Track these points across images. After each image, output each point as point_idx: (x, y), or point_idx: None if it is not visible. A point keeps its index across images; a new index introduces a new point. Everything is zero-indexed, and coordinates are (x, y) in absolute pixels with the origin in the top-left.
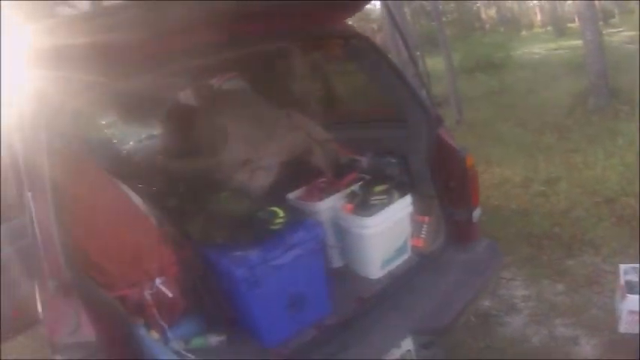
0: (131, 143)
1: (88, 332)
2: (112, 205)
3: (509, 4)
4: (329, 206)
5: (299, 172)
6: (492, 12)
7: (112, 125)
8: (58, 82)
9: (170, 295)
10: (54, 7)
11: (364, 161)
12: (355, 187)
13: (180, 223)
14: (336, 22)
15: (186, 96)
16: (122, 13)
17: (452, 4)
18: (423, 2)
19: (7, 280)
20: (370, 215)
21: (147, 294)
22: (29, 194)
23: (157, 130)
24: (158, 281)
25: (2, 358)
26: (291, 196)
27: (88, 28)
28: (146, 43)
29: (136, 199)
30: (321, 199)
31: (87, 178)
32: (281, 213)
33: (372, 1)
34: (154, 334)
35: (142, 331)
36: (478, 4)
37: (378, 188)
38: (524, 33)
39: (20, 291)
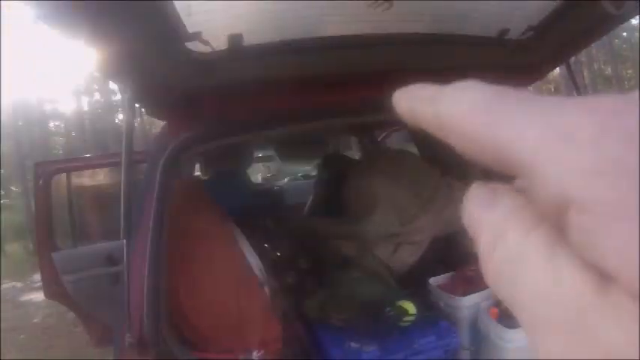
0: (286, 180)
1: None
2: (223, 262)
3: None
4: (472, 304)
5: (447, 253)
6: None
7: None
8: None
9: None
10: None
11: None
12: None
13: (298, 295)
14: (520, 86)
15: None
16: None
17: (630, 70)
18: (602, 66)
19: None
20: (516, 327)
21: None
22: (124, 242)
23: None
24: (256, 354)
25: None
26: (433, 282)
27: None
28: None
29: (253, 260)
30: (464, 293)
31: (200, 224)
32: (412, 309)
33: None
34: None
35: None
36: None
37: None
38: None
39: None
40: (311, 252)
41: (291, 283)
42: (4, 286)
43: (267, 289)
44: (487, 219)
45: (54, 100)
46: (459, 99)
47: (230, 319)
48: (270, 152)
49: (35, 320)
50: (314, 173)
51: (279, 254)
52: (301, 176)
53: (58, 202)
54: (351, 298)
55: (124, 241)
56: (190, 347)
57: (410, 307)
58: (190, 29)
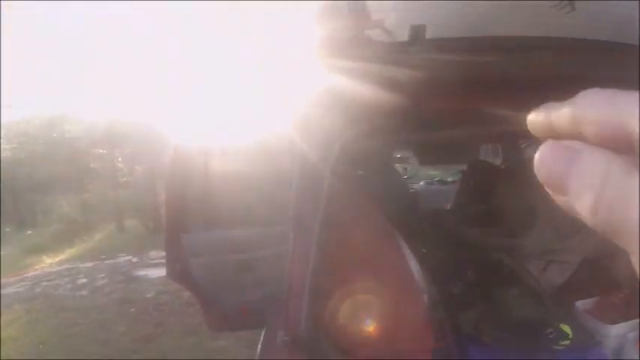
0: (422, 183)
1: None
2: (383, 265)
3: None
4: (619, 334)
5: (596, 276)
6: None
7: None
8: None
9: None
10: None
11: None
12: None
13: (456, 307)
14: None
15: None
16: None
17: None
18: None
19: (252, 278)
20: None
21: None
22: (291, 235)
23: (451, 177)
24: None
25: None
26: (580, 305)
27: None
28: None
29: (414, 267)
30: (613, 321)
31: (364, 227)
32: (570, 333)
33: None
34: None
35: None
36: None
37: None
38: None
39: (256, 293)
40: (476, 263)
41: (455, 294)
42: (119, 259)
43: (425, 298)
44: (580, 169)
45: None
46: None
47: (384, 326)
48: (409, 153)
49: (148, 295)
50: (450, 179)
51: (440, 262)
52: (437, 181)
53: (194, 183)
54: (509, 316)
55: (291, 234)
56: (339, 351)
57: (568, 330)
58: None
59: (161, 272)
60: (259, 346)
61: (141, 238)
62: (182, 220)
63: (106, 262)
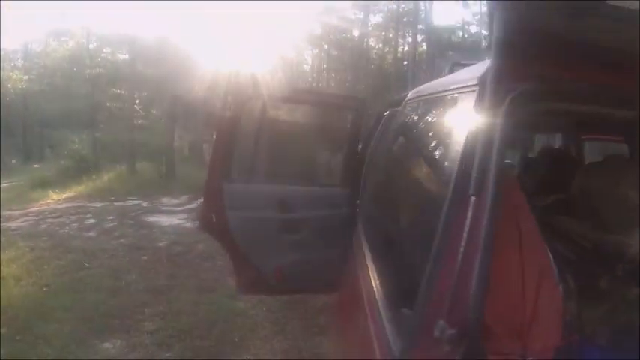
0: None
1: None
2: (527, 253)
3: None
4: None
5: None
6: None
7: None
8: None
9: None
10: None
11: None
12: None
13: (579, 302)
14: None
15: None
16: None
17: None
18: None
19: (295, 240)
20: None
21: None
22: (472, 199)
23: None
24: None
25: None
26: None
27: None
28: None
29: (550, 257)
30: None
31: (513, 214)
32: None
33: None
34: None
35: None
36: None
37: None
38: None
39: (297, 256)
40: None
41: (604, 289)
42: (129, 202)
43: (560, 291)
44: None
45: None
46: None
47: (520, 319)
48: None
49: (160, 244)
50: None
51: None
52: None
53: (247, 128)
54: (630, 318)
55: (472, 198)
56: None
57: None
58: None
59: (173, 220)
60: (388, 325)
61: (152, 183)
62: (227, 167)
63: (116, 203)
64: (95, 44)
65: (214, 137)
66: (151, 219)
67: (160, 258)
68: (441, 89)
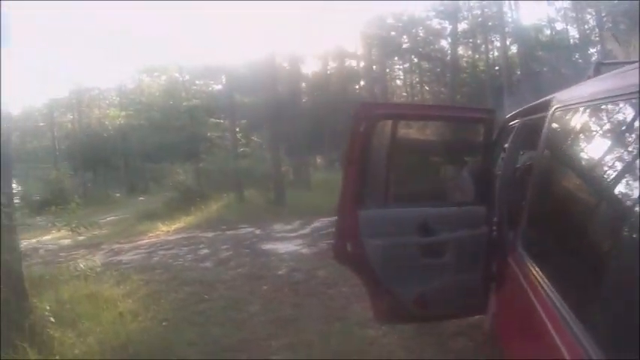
0: None
1: None
2: None
3: None
4: None
5: None
6: None
7: None
8: None
9: None
10: None
11: None
12: None
13: None
14: None
15: None
16: None
17: None
18: None
19: (438, 264)
20: None
21: None
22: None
23: None
24: None
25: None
26: None
27: None
28: None
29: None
30: None
31: None
32: None
33: None
34: None
35: None
36: None
37: None
38: None
39: (442, 281)
40: None
41: None
42: (241, 230)
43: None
44: None
45: None
46: None
47: None
48: None
49: (279, 272)
50: None
51: None
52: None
53: (375, 151)
54: None
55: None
56: None
57: None
58: None
59: (289, 247)
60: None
61: (262, 210)
62: (359, 192)
63: (228, 232)
64: (187, 77)
65: (345, 162)
66: (267, 246)
67: (281, 287)
68: (600, 96)
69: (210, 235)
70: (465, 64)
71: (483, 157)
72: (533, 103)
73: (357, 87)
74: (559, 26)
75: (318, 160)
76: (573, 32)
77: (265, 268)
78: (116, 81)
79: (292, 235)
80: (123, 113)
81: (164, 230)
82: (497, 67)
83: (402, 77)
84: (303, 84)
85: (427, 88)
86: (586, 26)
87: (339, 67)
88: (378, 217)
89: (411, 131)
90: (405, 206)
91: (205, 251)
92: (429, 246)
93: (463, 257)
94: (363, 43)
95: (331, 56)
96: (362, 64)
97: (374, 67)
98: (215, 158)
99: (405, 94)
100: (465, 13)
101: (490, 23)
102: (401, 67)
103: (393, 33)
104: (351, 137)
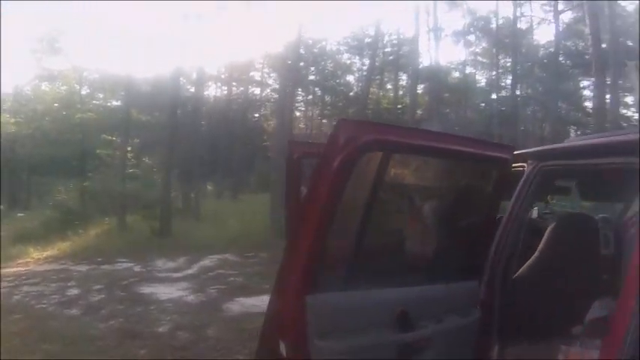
0: None
1: None
2: None
3: None
4: None
5: None
6: None
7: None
8: None
9: None
10: None
11: None
12: None
13: None
14: None
15: None
16: None
17: None
18: None
19: None
20: None
21: None
22: None
23: None
24: None
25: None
26: None
27: None
28: None
29: None
30: None
31: None
32: None
33: None
34: None
35: None
36: None
37: None
38: None
39: None
40: None
41: None
42: (119, 265)
43: None
44: None
45: None
46: None
47: None
48: (569, 184)
49: (160, 329)
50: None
51: None
52: None
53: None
54: None
55: None
56: None
57: None
58: None
59: (172, 292)
60: None
61: (145, 241)
62: (315, 264)
63: (103, 267)
64: (88, 90)
65: (299, 208)
66: (146, 289)
67: (161, 351)
68: None
69: (83, 268)
70: (369, 101)
71: (489, 212)
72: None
73: (256, 115)
74: (468, 69)
75: (209, 187)
76: (480, 77)
77: (143, 321)
78: (12, 86)
79: (177, 275)
80: (13, 120)
81: (35, 257)
82: (399, 105)
83: (302, 109)
84: (204, 108)
85: (325, 122)
86: (493, 73)
87: (242, 94)
88: (341, 306)
89: (405, 172)
90: (380, 285)
91: (75, 292)
92: (408, 344)
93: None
94: (269, 71)
95: (235, 81)
96: (266, 92)
97: (277, 96)
98: (102, 177)
99: (302, 125)
100: (378, 51)
101: (401, 61)
102: (303, 98)
103: (302, 63)
104: (320, 170)
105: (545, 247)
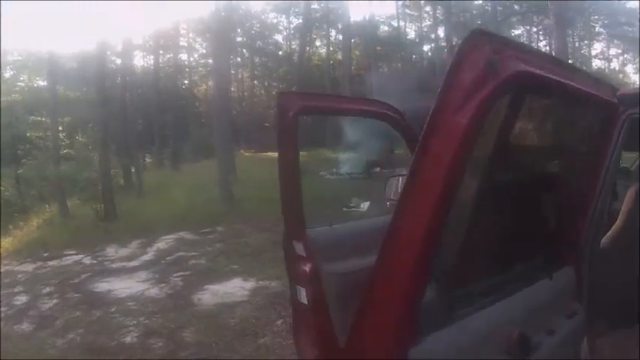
0: None
1: None
2: None
3: None
4: None
5: None
6: None
7: None
8: None
9: None
10: None
11: None
12: None
13: None
14: None
15: None
16: None
17: None
18: None
19: None
20: None
21: None
22: None
23: None
24: None
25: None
26: None
27: None
28: None
29: None
30: None
31: None
32: None
33: None
34: None
35: None
36: None
37: None
38: None
39: None
40: None
41: None
42: (67, 259)
43: None
44: None
45: None
46: None
47: None
48: None
49: (128, 340)
50: None
51: None
52: None
53: None
54: None
55: None
56: None
57: None
58: None
59: (131, 286)
60: None
61: (90, 227)
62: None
63: (51, 263)
64: (11, 72)
65: (282, 193)
66: (102, 286)
67: None
68: None
69: (29, 268)
70: (296, 59)
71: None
72: None
73: (186, 82)
74: (396, 23)
75: (148, 159)
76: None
77: (106, 330)
78: None
79: (132, 264)
80: None
81: None
82: (331, 62)
83: (232, 72)
84: (133, 78)
85: (256, 83)
86: (423, 24)
87: (170, 61)
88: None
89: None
90: (487, 302)
91: (23, 299)
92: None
93: None
94: (194, 36)
95: (162, 49)
96: (194, 57)
97: (204, 61)
98: (36, 163)
99: (233, 89)
100: (302, 8)
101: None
102: (232, 60)
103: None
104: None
105: (630, 211)
